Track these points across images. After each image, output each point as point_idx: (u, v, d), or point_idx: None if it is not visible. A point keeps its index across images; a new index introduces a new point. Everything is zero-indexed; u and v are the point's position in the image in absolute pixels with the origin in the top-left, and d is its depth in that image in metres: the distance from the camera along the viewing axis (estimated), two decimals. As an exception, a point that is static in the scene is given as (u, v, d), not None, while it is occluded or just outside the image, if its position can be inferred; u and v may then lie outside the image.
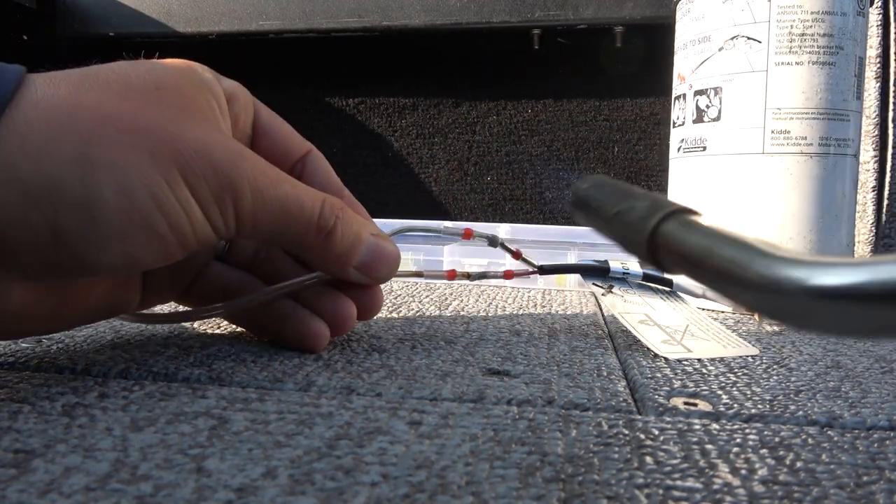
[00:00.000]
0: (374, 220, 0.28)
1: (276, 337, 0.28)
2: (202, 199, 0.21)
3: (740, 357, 0.28)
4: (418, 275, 0.31)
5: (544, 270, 0.33)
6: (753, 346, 0.30)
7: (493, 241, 0.32)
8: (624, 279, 0.33)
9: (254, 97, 0.27)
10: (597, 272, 0.33)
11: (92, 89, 0.20)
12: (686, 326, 0.31)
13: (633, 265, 0.34)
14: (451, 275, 0.32)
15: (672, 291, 0.34)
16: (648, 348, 0.28)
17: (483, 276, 0.32)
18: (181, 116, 0.21)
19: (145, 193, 0.20)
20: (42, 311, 0.22)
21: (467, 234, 0.32)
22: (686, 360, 0.27)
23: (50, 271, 0.20)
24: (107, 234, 0.20)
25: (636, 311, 0.31)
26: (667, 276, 0.34)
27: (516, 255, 0.32)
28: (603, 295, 0.32)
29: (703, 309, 0.38)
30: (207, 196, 0.21)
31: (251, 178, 0.22)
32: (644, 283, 0.34)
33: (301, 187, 0.24)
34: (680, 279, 0.34)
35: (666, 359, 0.27)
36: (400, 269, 0.28)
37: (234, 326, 0.31)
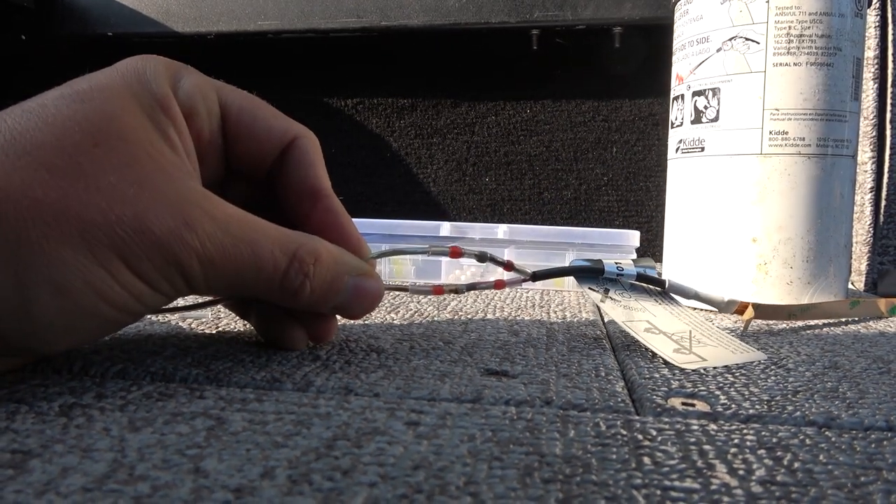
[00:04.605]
0: (371, 220, 0.28)
1: (258, 332, 0.29)
2: (147, 276, 0.20)
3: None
4: (403, 289, 0.30)
5: (537, 277, 0.31)
6: (759, 350, 0.29)
7: (481, 258, 0.30)
8: (618, 280, 0.32)
9: (222, 89, 0.25)
10: (591, 273, 0.32)
11: (19, 159, 0.18)
12: (690, 332, 0.30)
13: (628, 264, 0.33)
14: (438, 290, 0.30)
15: (664, 292, 0.33)
16: (664, 360, 0.27)
17: (473, 287, 0.31)
18: (122, 181, 0.19)
19: (85, 288, 0.19)
20: (17, 363, 0.23)
21: (455, 253, 0.30)
22: (704, 370, 0.26)
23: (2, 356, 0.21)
24: (50, 331, 0.19)
25: (638, 318, 0.30)
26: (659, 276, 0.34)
27: (508, 266, 0.30)
28: (602, 301, 0.31)
29: (696, 309, 0.38)
30: (152, 272, 0.20)
31: (199, 250, 0.20)
32: (638, 282, 0.33)
33: (262, 241, 0.22)
34: (673, 279, 0.34)
35: (682, 370, 0.26)
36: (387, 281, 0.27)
37: (231, 327, 0.31)
